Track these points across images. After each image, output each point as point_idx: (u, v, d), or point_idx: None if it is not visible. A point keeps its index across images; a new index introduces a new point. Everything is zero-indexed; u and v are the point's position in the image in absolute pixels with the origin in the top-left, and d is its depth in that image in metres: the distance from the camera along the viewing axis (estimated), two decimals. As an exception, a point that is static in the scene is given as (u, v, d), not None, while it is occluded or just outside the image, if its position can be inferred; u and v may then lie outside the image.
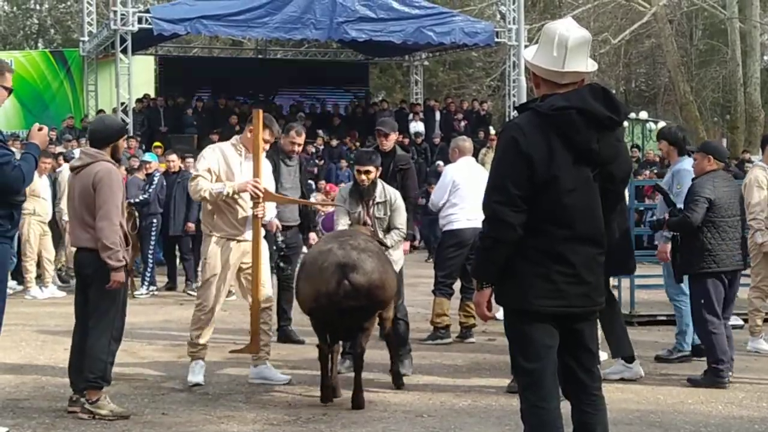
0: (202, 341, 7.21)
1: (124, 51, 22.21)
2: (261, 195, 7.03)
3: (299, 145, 8.94)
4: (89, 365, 6.08)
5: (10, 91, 5.96)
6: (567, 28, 4.19)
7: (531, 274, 4.09)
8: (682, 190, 7.67)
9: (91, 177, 6.15)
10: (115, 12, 22.23)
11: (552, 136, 4.04)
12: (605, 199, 4.21)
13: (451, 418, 6.26)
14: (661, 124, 17.00)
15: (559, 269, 4.08)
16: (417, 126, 25.12)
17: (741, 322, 9.28)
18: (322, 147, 23.63)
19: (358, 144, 23.10)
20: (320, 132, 24.19)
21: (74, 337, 6.38)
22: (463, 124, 25.25)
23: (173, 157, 14.17)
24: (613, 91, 5.93)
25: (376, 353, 7.36)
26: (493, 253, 4.12)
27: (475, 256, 4.49)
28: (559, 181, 4.03)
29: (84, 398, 6.10)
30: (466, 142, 9.63)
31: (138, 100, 23.78)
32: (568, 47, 4.13)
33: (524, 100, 22.45)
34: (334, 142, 24.26)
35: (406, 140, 23.89)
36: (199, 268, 7.41)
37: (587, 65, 4.19)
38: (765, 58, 33.32)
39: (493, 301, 4.25)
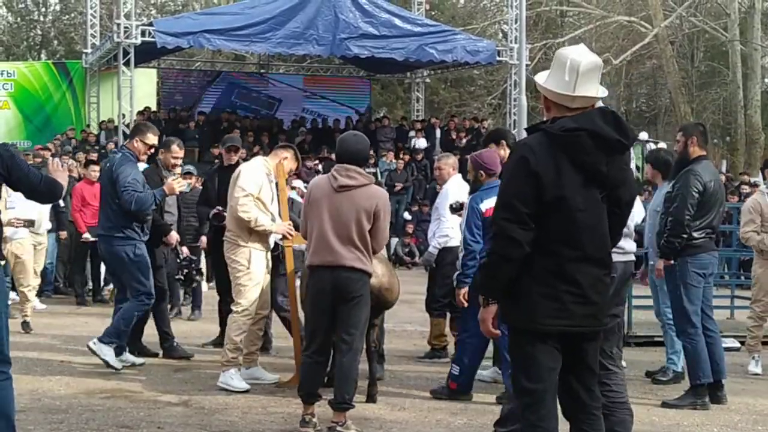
0: (242, 345, 7.52)
1: (127, 63, 22.29)
2: (292, 237, 7.55)
3: (180, 159, 9.15)
4: (346, 387, 6.13)
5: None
6: (579, 54, 4.26)
7: (538, 293, 4.12)
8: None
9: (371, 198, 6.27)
10: (118, 25, 22.29)
11: (561, 157, 4.09)
12: (610, 223, 4.24)
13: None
14: (662, 144, 16.99)
15: (566, 289, 4.11)
16: (420, 142, 25.18)
17: (738, 345, 9.31)
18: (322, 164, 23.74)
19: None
20: (325, 148, 24.23)
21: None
22: (464, 141, 25.24)
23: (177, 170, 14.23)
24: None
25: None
26: (499, 270, 4.15)
27: (480, 272, 4.52)
28: (568, 201, 4.07)
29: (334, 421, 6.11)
30: (454, 158, 9.46)
31: (139, 113, 23.79)
32: (580, 72, 4.19)
33: (525, 118, 22.65)
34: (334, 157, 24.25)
35: (406, 156, 24.01)
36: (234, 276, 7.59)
37: (598, 91, 4.25)
38: (766, 80, 33.39)
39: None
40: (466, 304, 7.22)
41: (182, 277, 10.12)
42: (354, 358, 6.27)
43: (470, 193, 7.50)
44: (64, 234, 13.67)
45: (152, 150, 8.73)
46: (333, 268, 6.14)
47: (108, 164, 8.74)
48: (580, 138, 4.09)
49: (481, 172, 7.16)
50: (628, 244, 6.29)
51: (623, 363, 8.83)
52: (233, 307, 7.63)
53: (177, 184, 8.48)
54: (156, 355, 8.86)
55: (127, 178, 8.08)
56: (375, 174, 20.32)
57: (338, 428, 6.03)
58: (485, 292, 4.28)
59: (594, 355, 4.35)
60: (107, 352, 8.07)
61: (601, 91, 4.29)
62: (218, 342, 9.08)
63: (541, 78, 4.33)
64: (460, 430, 6.46)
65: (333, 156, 23.58)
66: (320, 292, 6.23)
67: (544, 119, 4.32)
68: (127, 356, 8.49)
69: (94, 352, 8.04)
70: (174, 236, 9.05)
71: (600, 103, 4.36)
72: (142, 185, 8.21)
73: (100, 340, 7.96)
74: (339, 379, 6.15)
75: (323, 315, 6.24)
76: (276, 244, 7.94)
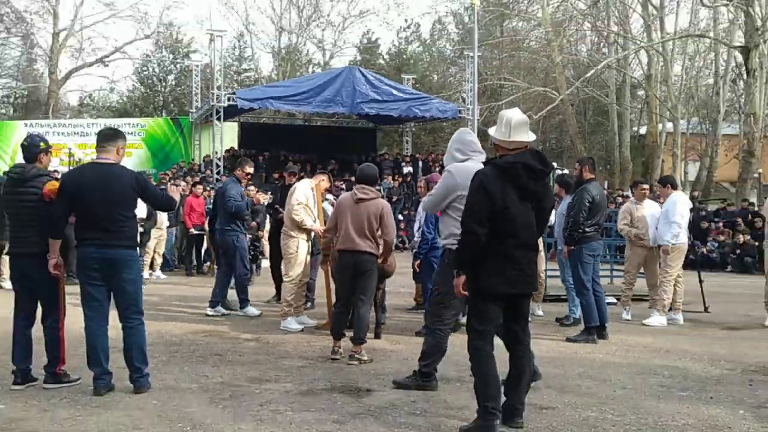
0: (292, 302, 7.55)
1: (218, 118, 22.34)
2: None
3: (250, 175, 8.99)
4: (362, 329, 6.11)
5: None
6: (512, 113, 4.39)
7: (492, 268, 4.19)
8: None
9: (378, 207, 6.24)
10: (213, 94, 22.38)
11: (505, 181, 4.18)
12: (537, 222, 4.34)
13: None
14: (565, 171, 16.95)
15: (510, 266, 4.20)
16: (408, 169, 25.31)
17: (615, 301, 9.31)
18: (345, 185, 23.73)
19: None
20: (347, 173, 24.18)
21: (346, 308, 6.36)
22: (437, 170, 25.44)
23: (251, 188, 14.34)
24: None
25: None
26: (465, 253, 4.22)
27: (453, 254, 4.55)
28: (510, 209, 4.17)
29: (353, 351, 6.05)
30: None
31: (226, 151, 23.82)
32: (512, 126, 4.30)
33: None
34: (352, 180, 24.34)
35: (400, 179, 24.12)
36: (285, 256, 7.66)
37: (528, 136, 4.33)
38: (633, 129, 33.36)
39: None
40: (418, 270, 7.68)
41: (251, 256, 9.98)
42: (367, 310, 6.27)
43: None
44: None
45: (249, 176, 8.92)
46: (353, 252, 6.15)
47: (223, 185, 9.32)
48: (517, 169, 4.18)
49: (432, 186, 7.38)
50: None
51: (540, 312, 8.90)
52: (285, 278, 7.67)
53: (261, 197, 8.61)
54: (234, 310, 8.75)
55: (231, 192, 8.47)
56: (380, 190, 20.37)
57: (356, 356, 6.01)
58: (457, 267, 4.32)
59: (526, 308, 4.48)
60: (250, 311, 8.52)
61: (531, 137, 4.35)
62: (276, 299, 9.11)
63: (491, 130, 4.41)
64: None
65: (353, 178, 24.00)
66: (345, 268, 6.23)
67: (495, 156, 4.38)
68: (246, 309, 8.61)
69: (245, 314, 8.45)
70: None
71: (533, 144, 4.42)
72: (241, 197, 8.56)
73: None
74: (356, 324, 6.13)
75: (347, 282, 6.25)
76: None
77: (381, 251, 6.37)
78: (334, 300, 6.83)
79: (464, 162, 5.12)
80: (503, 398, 4.22)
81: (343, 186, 22.48)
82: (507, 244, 4.17)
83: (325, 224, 7.53)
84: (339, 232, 6.31)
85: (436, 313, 5.24)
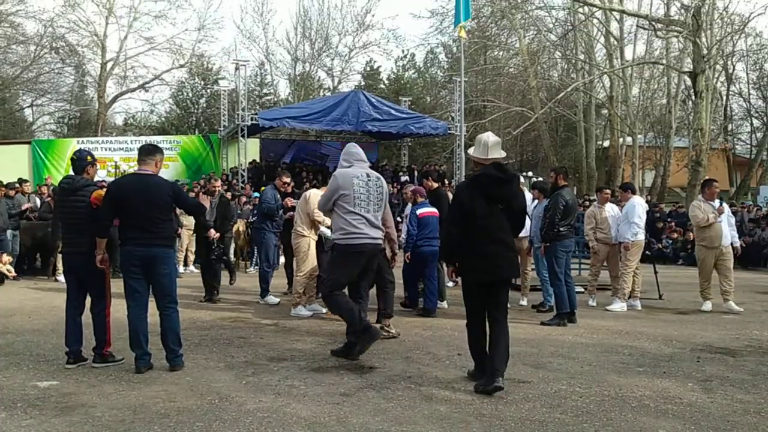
0: (306, 293, 7.53)
1: (243, 135, 22.30)
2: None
3: (288, 185, 8.90)
4: (391, 305, 6.36)
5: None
6: (488, 137, 4.65)
7: (469, 260, 4.41)
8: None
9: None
10: (238, 114, 22.36)
11: (473, 189, 4.44)
12: (510, 220, 4.47)
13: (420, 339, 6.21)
14: (540, 179, 16.90)
15: (482, 258, 4.36)
16: (405, 177, 25.24)
17: (582, 290, 9.28)
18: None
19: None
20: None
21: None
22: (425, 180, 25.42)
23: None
24: (507, 163, 6.40)
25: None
26: (447, 247, 4.57)
27: (441, 247, 5.05)
28: (476, 212, 4.37)
29: (384, 325, 6.17)
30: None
31: (249, 163, 23.79)
32: (489, 146, 4.56)
33: (464, 167, 22.64)
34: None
35: (398, 186, 23.99)
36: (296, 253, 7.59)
37: (500, 154, 4.58)
38: (598, 143, 33.27)
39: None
40: (408, 261, 7.70)
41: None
42: (393, 290, 6.46)
43: (412, 205, 7.94)
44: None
45: (286, 184, 8.83)
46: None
47: (263, 191, 9.51)
48: (481, 179, 4.44)
49: (418, 195, 7.85)
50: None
51: (525, 302, 8.80)
52: (296, 272, 7.59)
53: (290, 201, 8.51)
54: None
55: (266, 195, 8.69)
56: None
57: (386, 328, 6.19)
58: (443, 259, 4.76)
59: (504, 294, 4.54)
60: (270, 299, 8.52)
61: (502, 154, 4.60)
62: (289, 290, 8.98)
63: (470, 151, 4.69)
64: (429, 339, 6.44)
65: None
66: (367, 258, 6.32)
67: (474, 171, 4.63)
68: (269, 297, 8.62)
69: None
70: (213, 232, 8.60)
71: (503, 159, 4.60)
72: (274, 200, 8.58)
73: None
74: (386, 302, 6.36)
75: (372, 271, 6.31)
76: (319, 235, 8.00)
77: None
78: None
79: (348, 168, 5.35)
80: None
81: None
82: (479, 240, 4.34)
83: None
84: None
85: (324, 294, 5.41)
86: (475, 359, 4.57)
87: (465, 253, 4.36)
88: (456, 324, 6.97)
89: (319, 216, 7.37)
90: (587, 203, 19.27)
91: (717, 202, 8.43)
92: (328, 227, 7.48)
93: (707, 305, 8.40)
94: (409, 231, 7.68)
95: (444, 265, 4.74)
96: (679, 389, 4.57)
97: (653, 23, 23.37)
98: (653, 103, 33.22)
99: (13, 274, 10.64)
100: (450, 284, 7.81)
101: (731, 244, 8.53)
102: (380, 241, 5.52)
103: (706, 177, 9.32)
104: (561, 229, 7.34)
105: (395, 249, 6.51)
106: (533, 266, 8.80)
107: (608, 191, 9.30)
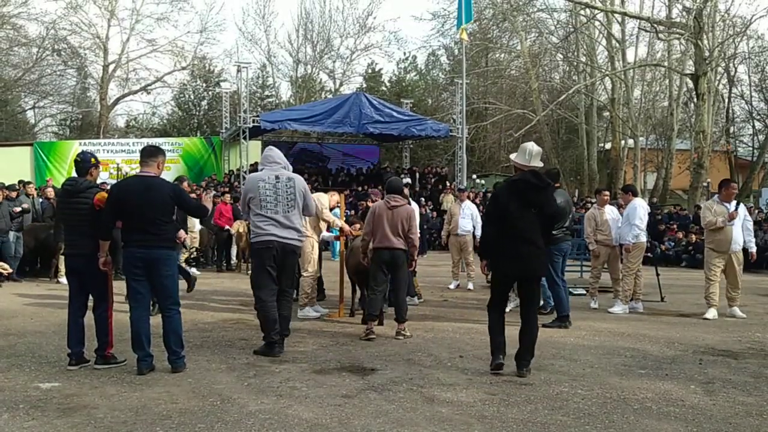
0: (312, 294, 7.53)
1: (245, 138, 22.30)
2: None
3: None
4: (405, 310, 6.47)
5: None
6: (532, 146, 5.05)
7: (502, 256, 4.90)
8: None
9: (408, 211, 6.49)
10: (240, 116, 22.36)
11: (511, 193, 4.89)
12: (541, 223, 4.91)
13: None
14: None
15: (514, 256, 4.82)
16: (407, 179, 25.21)
17: (584, 292, 9.27)
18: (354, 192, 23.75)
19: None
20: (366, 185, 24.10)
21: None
22: (432, 180, 25.52)
23: None
24: (553, 170, 6.87)
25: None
26: (484, 244, 5.08)
27: (479, 245, 5.41)
28: (512, 213, 4.83)
29: (398, 329, 6.40)
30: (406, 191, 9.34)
31: (250, 165, 23.72)
32: (533, 155, 5.03)
33: (464, 169, 22.72)
34: (360, 189, 24.30)
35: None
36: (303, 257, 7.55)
37: (539, 164, 5.03)
38: (600, 145, 33.27)
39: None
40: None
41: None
42: (404, 294, 6.56)
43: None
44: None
45: None
46: (389, 249, 6.37)
47: None
48: (518, 185, 4.86)
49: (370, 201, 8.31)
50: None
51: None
52: (303, 273, 7.58)
53: None
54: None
55: None
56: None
57: (401, 332, 6.33)
58: (480, 255, 5.16)
59: (533, 289, 5.04)
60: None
61: (540, 164, 5.03)
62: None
63: (512, 156, 5.09)
64: (431, 341, 6.44)
65: (359, 188, 24.06)
66: (382, 262, 6.42)
67: (514, 175, 5.04)
68: None
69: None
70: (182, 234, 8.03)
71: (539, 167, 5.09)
72: None
73: None
74: (398, 307, 6.42)
75: (384, 273, 6.48)
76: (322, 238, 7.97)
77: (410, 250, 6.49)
78: (358, 293, 7.24)
79: (260, 171, 5.61)
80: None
81: (352, 192, 22.58)
82: (512, 239, 4.79)
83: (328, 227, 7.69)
84: (375, 234, 6.44)
85: (256, 294, 5.58)
86: (492, 340, 4.97)
87: (498, 249, 4.84)
88: (458, 327, 6.98)
89: (329, 216, 7.45)
90: (588, 205, 19.28)
91: (733, 204, 7.92)
92: (336, 228, 7.64)
93: (711, 313, 7.91)
94: None
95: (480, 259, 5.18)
96: (682, 391, 4.57)
97: (655, 25, 23.40)
98: (655, 105, 33.24)
99: (9, 270, 10.63)
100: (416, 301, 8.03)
101: (747, 248, 8.03)
102: (293, 241, 5.58)
103: (723, 178, 8.83)
104: (554, 232, 7.28)
105: (414, 254, 6.62)
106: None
107: (607, 193, 9.27)
